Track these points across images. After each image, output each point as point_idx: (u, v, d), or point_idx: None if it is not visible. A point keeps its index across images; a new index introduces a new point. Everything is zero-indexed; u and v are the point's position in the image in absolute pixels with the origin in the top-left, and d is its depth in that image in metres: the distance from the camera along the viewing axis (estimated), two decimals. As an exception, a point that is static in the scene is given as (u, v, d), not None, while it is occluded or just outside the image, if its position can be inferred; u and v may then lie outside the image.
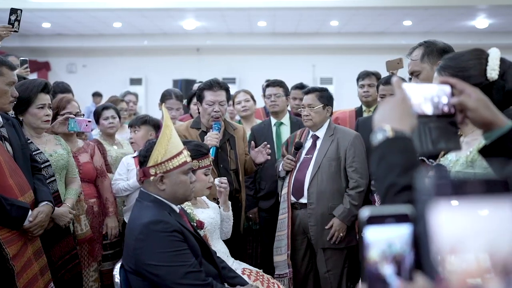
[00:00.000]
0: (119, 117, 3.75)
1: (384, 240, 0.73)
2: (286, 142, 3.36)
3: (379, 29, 10.51)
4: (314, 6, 8.67)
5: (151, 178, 1.89)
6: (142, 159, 1.93)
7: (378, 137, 1.02)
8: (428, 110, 1.12)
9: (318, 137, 3.18)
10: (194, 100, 3.81)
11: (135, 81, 11.19)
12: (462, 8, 8.82)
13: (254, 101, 4.21)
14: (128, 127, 3.46)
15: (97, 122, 3.65)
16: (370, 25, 10.12)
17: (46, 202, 2.31)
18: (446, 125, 1.14)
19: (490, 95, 1.58)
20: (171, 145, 1.91)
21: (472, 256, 0.59)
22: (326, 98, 3.17)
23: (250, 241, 3.81)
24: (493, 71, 1.54)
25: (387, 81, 3.20)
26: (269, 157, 3.18)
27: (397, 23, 9.93)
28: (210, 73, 10.92)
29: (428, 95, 1.13)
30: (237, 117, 4.76)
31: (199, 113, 3.21)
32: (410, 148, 1.00)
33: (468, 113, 1.16)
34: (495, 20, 9.57)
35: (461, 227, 0.61)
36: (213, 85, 3.05)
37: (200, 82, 4.26)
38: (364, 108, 3.90)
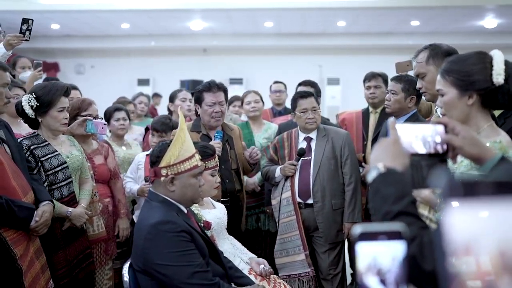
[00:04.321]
0: (129, 119, 3.80)
1: (371, 254, 0.77)
2: (274, 146, 3.40)
3: (386, 29, 10.48)
4: (321, 7, 8.66)
5: (162, 178, 1.92)
6: (154, 159, 1.96)
7: (372, 174, 1.11)
8: (420, 149, 1.21)
9: (311, 139, 3.26)
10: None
11: (143, 82, 11.24)
12: (470, 8, 8.78)
13: (263, 102, 4.25)
14: (152, 130, 3.49)
15: (108, 123, 3.70)
16: (377, 25, 10.10)
17: (47, 202, 2.35)
18: (437, 163, 1.23)
19: (495, 99, 1.62)
20: (184, 148, 1.94)
21: (486, 256, 0.60)
22: (318, 101, 3.33)
23: (259, 242, 3.83)
24: (499, 76, 1.55)
25: (397, 78, 3.28)
26: (259, 156, 3.29)
27: (404, 23, 9.90)
28: (217, 73, 11.02)
29: (421, 134, 1.22)
30: (243, 117, 4.79)
31: (197, 116, 3.24)
32: (401, 180, 1.08)
33: (456, 150, 1.23)
34: (504, 20, 9.51)
35: (474, 227, 0.62)
36: (212, 86, 3.12)
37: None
38: (370, 109, 3.90)
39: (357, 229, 0.78)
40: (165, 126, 3.42)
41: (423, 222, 1.04)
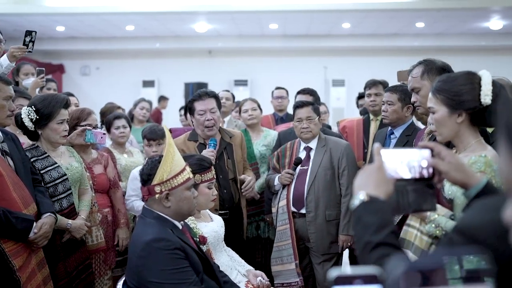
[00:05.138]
0: (130, 127, 3.81)
1: None
2: (277, 155, 3.42)
3: (392, 31, 10.45)
4: (326, 9, 8.66)
5: (157, 196, 1.93)
6: (146, 178, 1.96)
7: (355, 202, 1.12)
8: (406, 174, 1.22)
9: (311, 149, 3.28)
10: None
11: (148, 83, 11.29)
12: (476, 10, 8.74)
13: (261, 109, 4.24)
14: (145, 139, 3.48)
15: (108, 131, 3.72)
16: (382, 27, 10.07)
17: (49, 214, 2.37)
18: (423, 187, 1.24)
19: (483, 119, 1.70)
20: (175, 162, 1.95)
21: None
22: (318, 110, 3.31)
23: (259, 249, 3.84)
24: (487, 97, 1.65)
25: (393, 88, 3.28)
26: (251, 193, 3.27)
27: (409, 25, 9.87)
28: (222, 75, 11.06)
29: (407, 159, 1.23)
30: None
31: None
32: (383, 209, 1.10)
33: (442, 175, 1.25)
34: (510, 22, 9.46)
35: None
36: (201, 94, 3.10)
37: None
38: (371, 117, 3.90)
39: (333, 273, 0.79)
40: (161, 132, 3.42)
41: (403, 253, 1.06)
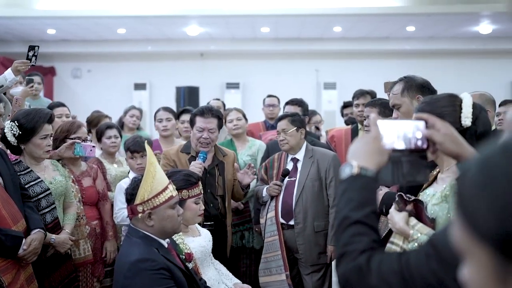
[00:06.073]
0: (121, 136, 3.81)
1: None
2: (265, 166, 3.46)
3: (383, 35, 10.49)
4: (317, 13, 8.68)
5: (139, 215, 1.94)
6: (129, 197, 1.98)
7: (345, 172, 1.10)
8: (401, 145, 1.21)
9: (298, 160, 3.32)
10: (182, 117, 4.04)
11: (140, 86, 11.24)
12: (466, 15, 8.81)
13: (246, 119, 4.24)
14: (128, 151, 3.42)
15: (99, 140, 3.72)
16: (374, 31, 10.11)
17: (38, 230, 2.38)
18: (417, 159, 1.23)
19: (463, 139, 1.71)
20: (156, 181, 1.95)
21: None
22: (298, 121, 3.34)
23: (244, 259, 3.86)
24: (467, 119, 1.68)
25: (372, 103, 3.27)
26: (255, 177, 3.27)
27: (400, 28, 9.91)
28: (214, 77, 11.06)
29: (402, 131, 1.22)
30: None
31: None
32: (369, 186, 1.09)
33: (437, 145, 1.25)
34: (499, 26, 9.54)
35: None
36: (205, 112, 3.11)
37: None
38: (359, 126, 3.94)
39: None
40: (144, 143, 3.39)
41: (377, 235, 1.06)
